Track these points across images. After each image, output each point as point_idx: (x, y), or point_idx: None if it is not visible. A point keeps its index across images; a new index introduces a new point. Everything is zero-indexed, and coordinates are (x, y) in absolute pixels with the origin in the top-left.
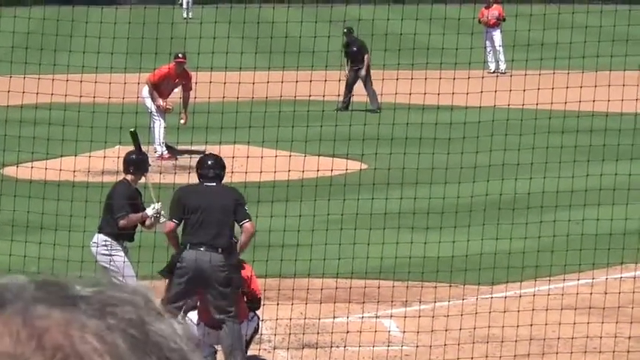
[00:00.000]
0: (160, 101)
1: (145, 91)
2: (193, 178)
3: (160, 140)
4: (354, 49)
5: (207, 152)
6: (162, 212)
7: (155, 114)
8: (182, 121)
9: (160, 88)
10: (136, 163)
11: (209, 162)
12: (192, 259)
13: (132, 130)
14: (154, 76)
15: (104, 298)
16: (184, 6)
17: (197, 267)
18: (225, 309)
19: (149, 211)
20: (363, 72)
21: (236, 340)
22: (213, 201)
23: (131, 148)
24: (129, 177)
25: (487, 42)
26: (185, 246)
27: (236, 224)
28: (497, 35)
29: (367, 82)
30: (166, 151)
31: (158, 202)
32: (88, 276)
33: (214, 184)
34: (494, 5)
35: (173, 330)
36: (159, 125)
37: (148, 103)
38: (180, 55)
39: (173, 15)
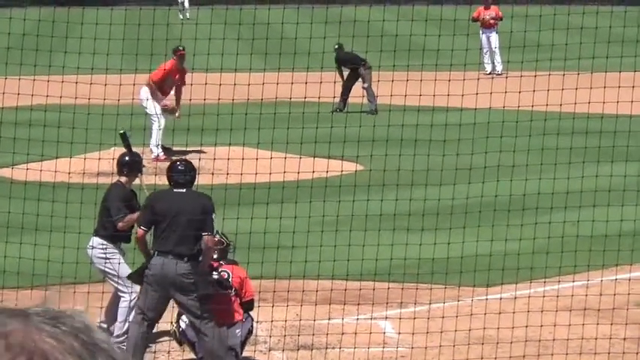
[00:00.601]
0: (167, 101)
1: (144, 92)
2: None
3: (157, 142)
4: (348, 65)
5: (200, 154)
6: None
7: (154, 115)
8: (177, 115)
9: (163, 87)
10: (130, 165)
11: (179, 167)
12: (159, 267)
13: (121, 131)
14: (156, 75)
15: (53, 314)
16: (182, 7)
17: (163, 274)
18: (197, 315)
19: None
20: (362, 70)
21: (216, 344)
22: (181, 209)
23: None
24: (123, 179)
25: (483, 43)
26: (154, 253)
27: None
28: (493, 37)
29: (368, 83)
30: (162, 153)
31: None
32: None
33: (184, 190)
34: (492, 7)
35: (112, 342)
36: (157, 127)
37: (147, 104)
38: (180, 48)
39: (168, 16)
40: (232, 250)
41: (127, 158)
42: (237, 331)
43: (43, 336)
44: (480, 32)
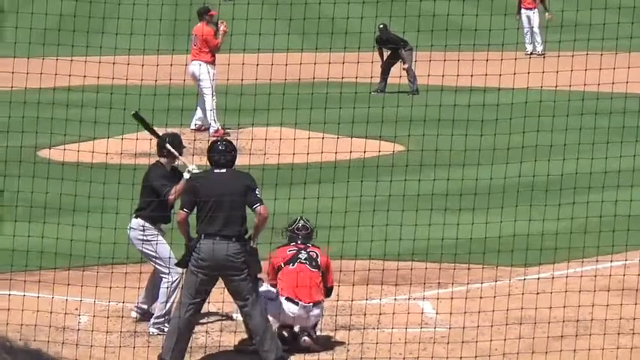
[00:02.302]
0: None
1: (198, 69)
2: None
3: (215, 116)
4: (389, 46)
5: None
6: (194, 169)
7: (208, 90)
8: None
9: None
10: (170, 145)
11: (220, 147)
12: (210, 250)
13: (133, 112)
14: (213, 41)
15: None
16: None
17: (214, 257)
18: (244, 295)
19: (186, 175)
20: (402, 52)
21: (261, 322)
22: (224, 189)
23: (166, 130)
24: (162, 160)
25: (524, 23)
26: (200, 236)
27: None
28: (534, 17)
29: (409, 64)
30: (220, 126)
31: (192, 163)
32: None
33: (224, 170)
34: None
35: None
36: (211, 101)
37: (204, 83)
38: (210, 8)
39: None
40: (314, 237)
41: (168, 139)
42: (317, 311)
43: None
44: (521, 12)
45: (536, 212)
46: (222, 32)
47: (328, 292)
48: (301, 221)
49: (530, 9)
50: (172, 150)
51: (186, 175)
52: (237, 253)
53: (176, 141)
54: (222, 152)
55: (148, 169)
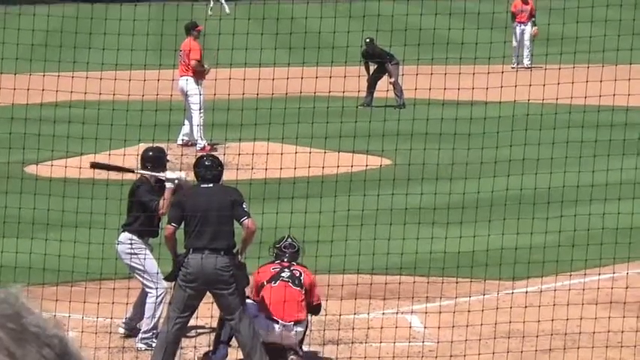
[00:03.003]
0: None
1: (185, 84)
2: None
3: (202, 133)
4: (375, 60)
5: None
6: (186, 178)
7: (195, 106)
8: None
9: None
10: (153, 160)
11: (206, 163)
12: (198, 264)
13: (90, 163)
14: (196, 54)
15: None
16: (220, 1)
17: (203, 271)
18: (232, 309)
19: (169, 185)
20: (388, 65)
21: (249, 336)
22: (211, 203)
23: (149, 144)
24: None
25: (517, 36)
26: (188, 250)
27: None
28: (527, 30)
29: (395, 78)
30: (207, 143)
31: (182, 172)
32: None
33: (212, 185)
34: (530, 1)
35: (45, 321)
36: (198, 117)
37: (193, 98)
38: (198, 23)
39: (192, 11)
40: (302, 255)
41: (151, 153)
42: (300, 329)
43: None
44: (514, 25)
45: (524, 225)
46: (206, 71)
47: (314, 310)
48: (289, 239)
49: (523, 23)
50: (145, 173)
51: (168, 185)
52: (226, 267)
53: (156, 160)
54: (208, 167)
55: (133, 185)
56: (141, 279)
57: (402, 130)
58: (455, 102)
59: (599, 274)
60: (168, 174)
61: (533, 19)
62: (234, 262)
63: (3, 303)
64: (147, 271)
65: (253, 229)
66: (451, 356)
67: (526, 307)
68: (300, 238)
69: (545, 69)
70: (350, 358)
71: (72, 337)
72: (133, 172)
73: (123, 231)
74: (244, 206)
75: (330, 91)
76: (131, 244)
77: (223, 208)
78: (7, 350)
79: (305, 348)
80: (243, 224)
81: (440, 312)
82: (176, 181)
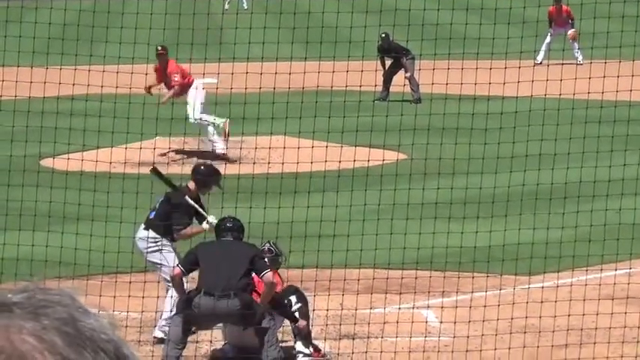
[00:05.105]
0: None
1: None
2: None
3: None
4: (391, 55)
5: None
6: (214, 222)
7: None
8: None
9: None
10: (203, 177)
11: (228, 225)
12: (210, 307)
13: (151, 168)
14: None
15: (35, 301)
16: None
17: (214, 313)
18: (258, 344)
19: (205, 225)
20: (404, 60)
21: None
22: (229, 249)
23: (165, 138)
24: (192, 185)
25: (548, 39)
26: (200, 291)
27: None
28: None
29: (411, 73)
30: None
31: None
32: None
33: (231, 238)
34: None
35: (101, 324)
36: (199, 111)
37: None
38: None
39: (209, 6)
40: (283, 261)
41: (202, 168)
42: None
43: (24, 334)
44: (552, 30)
45: (540, 221)
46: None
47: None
48: (267, 244)
49: (562, 27)
50: (195, 205)
51: (205, 226)
52: (239, 307)
53: (204, 181)
54: (227, 229)
55: (179, 192)
56: (160, 272)
57: (418, 124)
58: (472, 97)
59: (616, 270)
60: (211, 218)
61: (571, 21)
62: (245, 302)
63: (57, 305)
64: (168, 265)
65: (272, 282)
66: (467, 351)
67: (542, 302)
68: (317, 232)
69: (563, 64)
70: (366, 352)
71: (126, 344)
72: (178, 189)
73: (145, 228)
74: (265, 260)
75: (346, 86)
76: (154, 239)
77: (242, 256)
78: (60, 355)
79: (320, 343)
80: (265, 277)
81: (456, 307)
82: (207, 228)
